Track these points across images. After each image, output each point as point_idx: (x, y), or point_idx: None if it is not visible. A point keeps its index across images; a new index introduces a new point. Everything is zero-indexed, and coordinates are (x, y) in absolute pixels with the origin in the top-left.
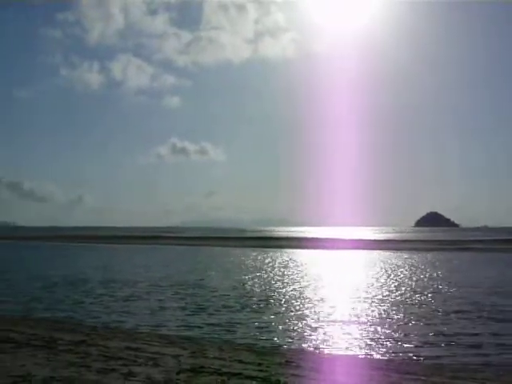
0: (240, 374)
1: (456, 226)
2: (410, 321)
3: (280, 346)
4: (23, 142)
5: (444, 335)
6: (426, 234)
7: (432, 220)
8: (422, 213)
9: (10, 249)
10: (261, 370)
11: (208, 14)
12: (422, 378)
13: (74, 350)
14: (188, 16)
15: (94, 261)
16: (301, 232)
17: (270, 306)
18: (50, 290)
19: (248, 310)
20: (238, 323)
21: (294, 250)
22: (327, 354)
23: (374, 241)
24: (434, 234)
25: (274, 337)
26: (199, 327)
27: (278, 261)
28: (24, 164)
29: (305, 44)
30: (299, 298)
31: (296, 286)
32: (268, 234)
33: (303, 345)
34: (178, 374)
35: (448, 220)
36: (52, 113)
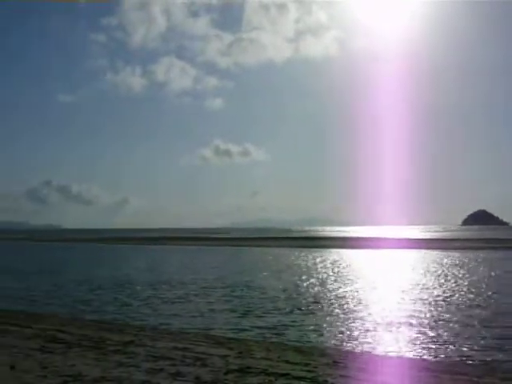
0: (287, 374)
1: (505, 224)
2: (465, 323)
3: (328, 346)
4: (71, 146)
5: (501, 339)
6: (474, 232)
7: (480, 218)
8: (470, 211)
9: (58, 251)
10: (308, 371)
11: (249, 14)
12: (474, 379)
13: (123, 351)
14: (229, 17)
15: (141, 262)
16: (346, 231)
17: (319, 307)
18: (98, 291)
19: (297, 311)
20: (287, 325)
21: (341, 250)
22: (376, 354)
23: (422, 240)
24: (483, 232)
25: (321, 338)
26: (247, 330)
27: (325, 261)
28: (72, 167)
29: (347, 42)
30: (348, 298)
31: (345, 287)
32: (314, 234)
33: (351, 346)
34: (225, 374)
35: (497, 218)
36: (96, 117)
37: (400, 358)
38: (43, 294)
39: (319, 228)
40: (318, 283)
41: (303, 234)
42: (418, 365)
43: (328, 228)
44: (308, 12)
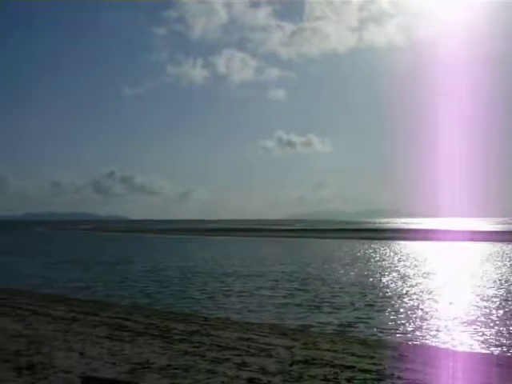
0: (353, 366)
1: None
2: None
3: (394, 340)
4: (134, 138)
5: None
6: None
7: None
8: None
9: (125, 241)
10: (374, 364)
11: (311, 4)
12: None
13: (189, 340)
14: (291, 7)
15: (206, 253)
16: (413, 223)
17: (389, 301)
18: (165, 282)
19: (367, 306)
20: (355, 320)
21: (408, 242)
22: (444, 349)
23: (495, 232)
24: None
25: (388, 332)
26: (314, 326)
27: (393, 254)
28: (135, 159)
29: (412, 29)
30: (420, 293)
31: (416, 281)
32: (379, 226)
33: (419, 340)
34: (290, 365)
35: None
36: (159, 109)
37: (469, 353)
38: (111, 284)
39: (384, 220)
40: (387, 277)
41: (368, 226)
42: (489, 360)
43: (393, 220)
44: (371, 0)
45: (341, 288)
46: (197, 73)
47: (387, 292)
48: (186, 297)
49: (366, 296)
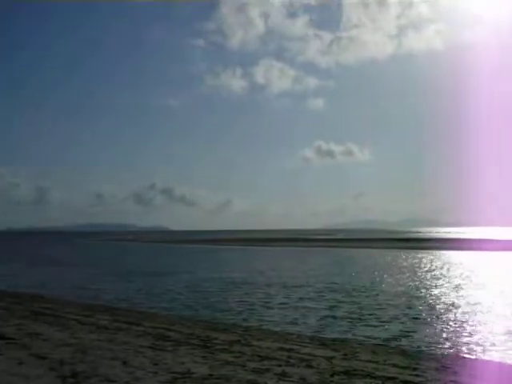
0: (395, 378)
1: None
2: None
3: (437, 352)
4: (174, 149)
5: None
6: None
7: None
8: None
9: (166, 252)
10: (416, 375)
11: (348, 12)
12: None
13: (229, 350)
14: (328, 16)
15: (248, 264)
16: (455, 233)
17: (434, 312)
18: (207, 293)
19: (413, 318)
20: (400, 334)
21: (454, 252)
22: (490, 362)
23: None
24: None
25: (433, 344)
26: (355, 340)
27: (440, 264)
28: (175, 170)
29: (452, 35)
30: (470, 305)
31: (466, 292)
32: (422, 236)
33: (464, 352)
34: (331, 376)
35: None
36: (199, 120)
37: None
38: (154, 294)
39: (425, 229)
40: (436, 288)
41: (411, 235)
42: None
43: (434, 229)
44: (409, 6)
45: (386, 299)
46: (235, 83)
47: (435, 304)
48: (226, 308)
49: (412, 308)
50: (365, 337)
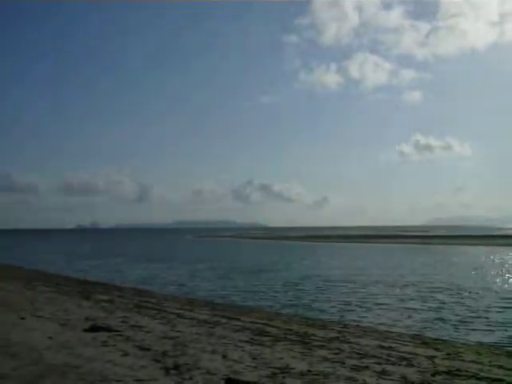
0: (501, 380)
1: None
2: None
3: None
4: (271, 146)
5: None
6: None
7: None
8: None
9: (265, 248)
10: None
11: (446, 1)
12: None
13: (328, 346)
14: (425, 6)
15: (345, 261)
16: None
17: None
18: (304, 290)
19: None
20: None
21: None
22: None
23: None
24: None
25: None
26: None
27: None
28: (273, 167)
29: None
30: None
31: None
32: None
33: None
34: (433, 375)
35: None
36: (293, 117)
37: None
38: (253, 291)
39: None
40: None
41: None
42: None
43: None
44: None
45: (494, 301)
46: (330, 78)
47: None
48: (323, 307)
49: None
50: (469, 339)
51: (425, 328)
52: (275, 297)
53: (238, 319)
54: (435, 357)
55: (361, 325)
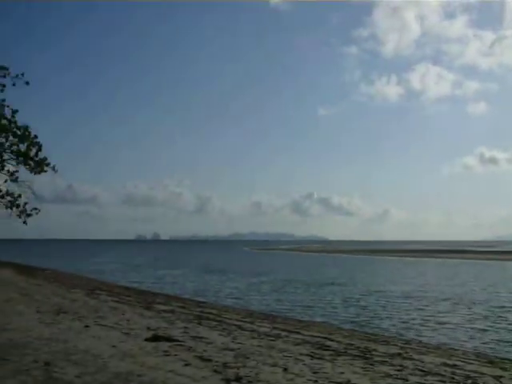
0: None
1: None
2: None
3: None
4: (330, 158)
5: None
6: None
7: None
8: None
9: (324, 262)
10: None
11: (511, 9)
12: None
13: (390, 362)
14: (489, 15)
15: (407, 276)
16: None
17: None
18: (367, 306)
19: None
20: None
21: None
22: None
23: None
24: None
25: None
26: None
27: None
28: (332, 180)
29: None
30: None
31: None
32: None
33: None
34: None
35: None
36: (352, 130)
37: None
38: (311, 306)
39: None
40: None
41: None
42: None
43: None
44: None
45: None
46: (391, 90)
47: None
48: (385, 324)
49: None
50: None
51: (491, 348)
52: (335, 312)
53: (298, 332)
54: (502, 377)
55: (424, 341)
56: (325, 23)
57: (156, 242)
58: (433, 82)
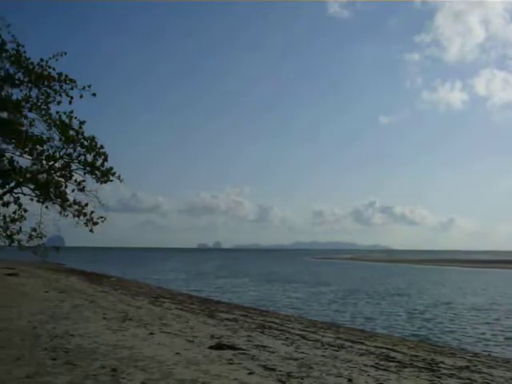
0: None
1: None
2: None
3: None
4: (391, 167)
5: None
6: None
7: None
8: None
9: (388, 272)
10: None
11: None
12: None
13: (457, 375)
14: None
15: (483, 287)
16: None
17: None
18: (434, 317)
19: None
20: None
21: None
22: None
23: None
24: None
25: None
26: None
27: None
28: (395, 189)
29: None
30: None
31: None
32: None
33: None
34: None
35: None
36: (415, 137)
37: None
38: (377, 317)
39: None
40: None
41: None
42: None
43: None
44: None
45: None
46: (454, 97)
47: None
48: (454, 336)
49: None
50: None
51: None
52: (398, 323)
53: (362, 343)
54: None
55: (493, 354)
56: (385, 30)
57: (218, 250)
58: (498, 87)
